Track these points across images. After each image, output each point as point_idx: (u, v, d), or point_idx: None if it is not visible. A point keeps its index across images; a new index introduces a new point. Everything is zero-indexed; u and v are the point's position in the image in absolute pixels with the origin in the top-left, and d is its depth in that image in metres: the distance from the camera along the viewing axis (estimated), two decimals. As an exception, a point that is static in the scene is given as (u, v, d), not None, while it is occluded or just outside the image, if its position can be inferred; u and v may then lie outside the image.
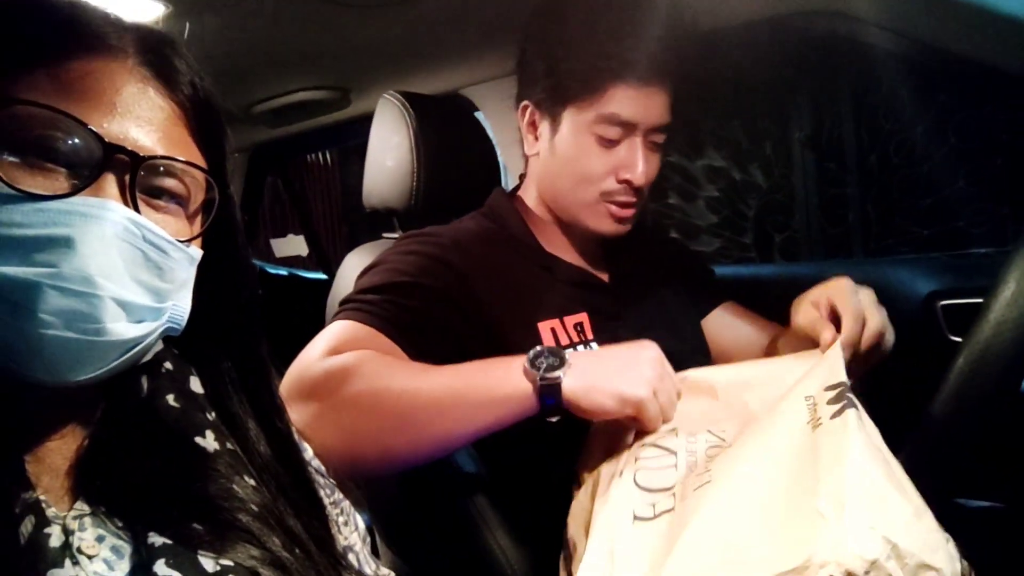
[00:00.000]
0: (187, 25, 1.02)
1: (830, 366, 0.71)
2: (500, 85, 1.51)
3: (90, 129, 0.47)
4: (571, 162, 1.02)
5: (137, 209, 0.48)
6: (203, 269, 0.55)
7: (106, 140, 0.47)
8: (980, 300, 0.71)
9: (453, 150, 1.27)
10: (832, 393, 0.67)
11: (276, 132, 1.94)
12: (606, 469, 0.78)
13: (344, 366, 0.82)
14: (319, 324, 1.22)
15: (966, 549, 0.54)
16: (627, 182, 1.00)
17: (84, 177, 0.47)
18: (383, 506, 1.16)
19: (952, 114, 2.40)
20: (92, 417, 0.53)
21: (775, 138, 3.18)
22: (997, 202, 2.37)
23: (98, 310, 0.46)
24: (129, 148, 0.48)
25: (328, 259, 2.60)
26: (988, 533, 0.77)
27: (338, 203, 3.96)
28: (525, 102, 1.08)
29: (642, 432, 0.79)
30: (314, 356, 0.84)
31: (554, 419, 0.79)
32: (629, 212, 1.03)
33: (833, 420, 0.63)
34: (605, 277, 1.11)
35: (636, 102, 0.97)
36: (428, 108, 1.24)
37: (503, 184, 1.36)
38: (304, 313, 1.45)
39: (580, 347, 0.99)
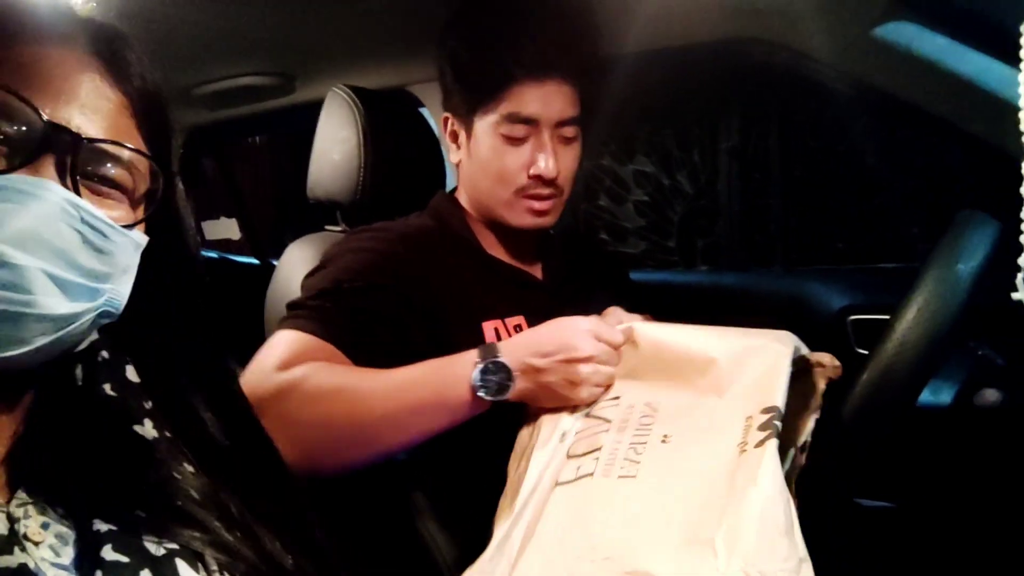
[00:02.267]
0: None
1: (773, 382, 0.73)
2: (445, 85, 1.52)
3: (33, 108, 0.47)
4: (486, 164, 1.06)
5: (77, 191, 0.49)
6: (146, 256, 0.56)
7: (49, 121, 0.48)
8: (887, 316, 0.77)
9: (399, 146, 1.28)
10: (765, 417, 0.70)
11: (216, 115, 1.91)
12: (540, 437, 0.83)
13: (295, 381, 0.84)
14: (251, 310, 1.22)
15: (863, 544, 0.60)
16: (538, 177, 1.03)
17: (24, 156, 0.47)
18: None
19: (873, 136, 2.54)
20: (25, 405, 0.53)
21: (703, 146, 3.28)
22: (909, 221, 2.52)
23: (27, 281, 0.46)
24: (72, 131, 0.49)
25: (260, 244, 2.55)
26: (881, 530, 0.85)
27: (268, 188, 3.88)
28: (445, 114, 1.13)
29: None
30: (266, 370, 0.86)
31: None
32: (547, 205, 1.06)
33: (756, 448, 0.67)
34: (541, 277, 1.15)
35: (535, 99, 1.02)
36: (376, 103, 1.25)
37: (446, 180, 1.38)
38: (236, 297, 1.43)
39: None
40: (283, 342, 0.89)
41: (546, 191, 1.05)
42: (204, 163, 2.33)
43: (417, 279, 0.99)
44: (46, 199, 0.47)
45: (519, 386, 0.84)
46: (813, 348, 0.82)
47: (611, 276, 1.28)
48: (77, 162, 0.49)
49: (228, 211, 2.72)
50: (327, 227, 1.31)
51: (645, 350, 0.84)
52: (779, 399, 0.71)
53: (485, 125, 1.05)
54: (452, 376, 0.85)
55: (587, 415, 0.83)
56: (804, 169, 3.02)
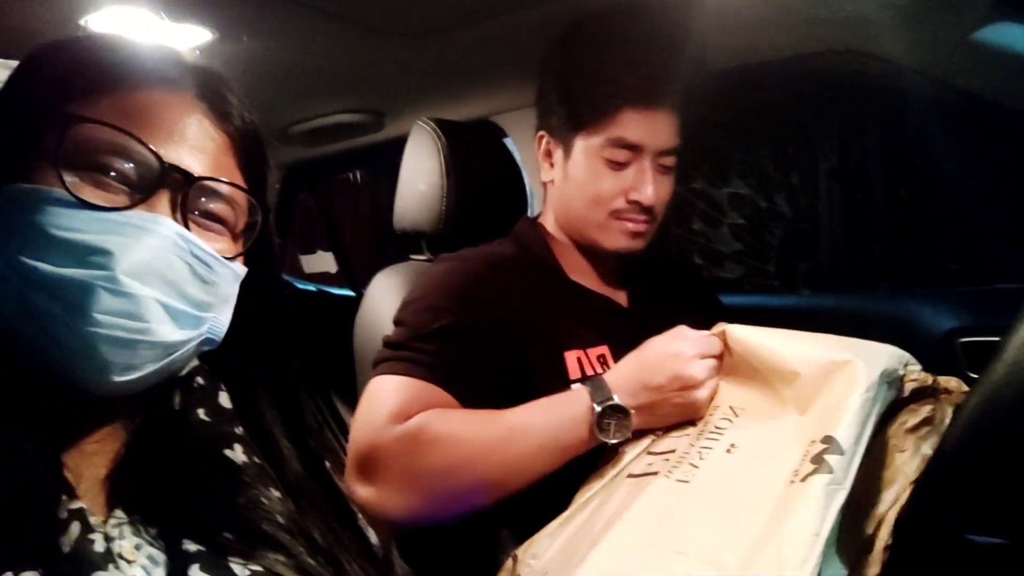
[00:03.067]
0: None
1: (840, 408, 0.71)
2: (529, 113, 1.53)
3: (151, 150, 0.51)
4: (583, 185, 1.06)
5: (187, 226, 0.52)
6: (240, 288, 0.59)
7: (167, 162, 0.51)
8: (999, 338, 0.72)
9: (482, 176, 1.30)
10: (819, 448, 0.69)
11: (311, 151, 1.99)
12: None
13: (413, 433, 0.86)
14: (346, 340, 1.26)
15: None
16: (636, 202, 1.04)
17: (142, 194, 0.51)
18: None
19: (981, 151, 2.40)
20: (128, 429, 0.56)
21: (801, 168, 3.18)
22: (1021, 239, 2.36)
23: (143, 310, 0.49)
24: (184, 170, 0.52)
25: (356, 277, 2.63)
26: (996, 569, 0.78)
27: (367, 221, 4.01)
28: (541, 132, 1.13)
29: None
30: (381, 422, 0.88)
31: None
32: (642, 228, 1.06)
33: (803, 482, 0.67)
34: (625, 303, 1.14)
35: (643, 126, 1.02)
36: (459, 135, 1.28)
37: (529, 209, 1.39)
38: (331, 329, 1.48)
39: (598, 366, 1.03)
40: (392, 390, 0.91)
41: (642, 216, 1.05)
42: (302, 198, 2.43)
43: (501, 307, 1.00)
44: (161, 233, 0.51)
45: (637, 423, 0.86)
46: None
47: (700, 300, 1.24)
48: (187, 199, 0.53)
49: (325, 245, 2.81)
50: (412, 256, 1.34)
51: (737, 352, 0.85)
52: (840, 429, 0.69)
53: (587, 146, 1.05)
54: (569, 420, 0.86)
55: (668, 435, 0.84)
56: (909, 188, 2.87)
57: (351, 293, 2.60)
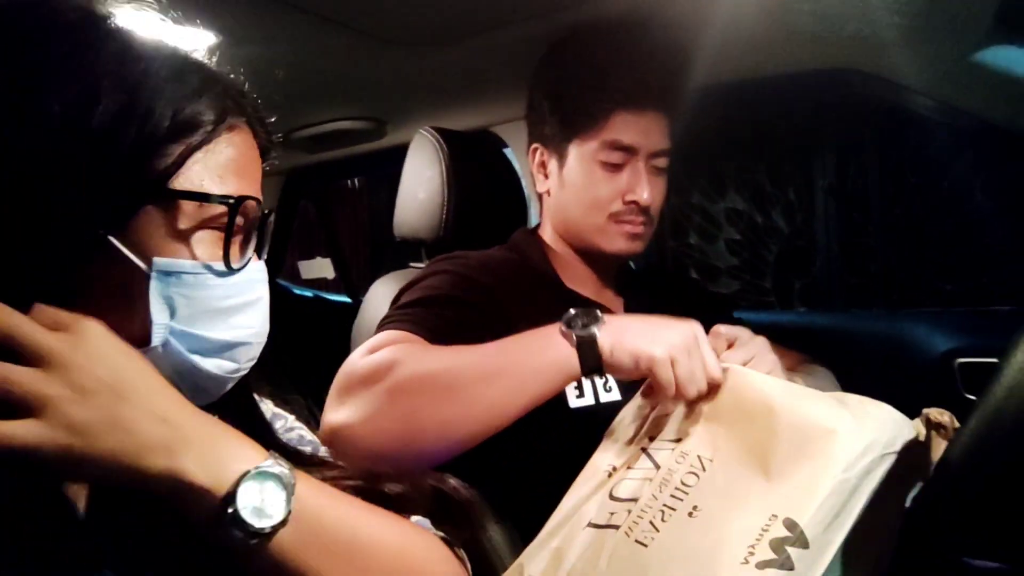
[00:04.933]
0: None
1: (809, 491, 0.66)
2: (530, 124, 1.55)
3: (257, 203, 0.55)
4: (580, 190, 1.08)
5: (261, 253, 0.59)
6: None
7: (260, 208, 0.56)
8: (997, 360, 0.72)
9: (482, 185, 1.30)
10: (780, 533, 0.64)
11: (312, 158, 1.99)
12: (588, 468, 0.83)
13: (387, 357, 0.85)
14: (343, 345, 1.25)
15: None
16: (634, 203, 1.05)
17: (250, 245, 0.56)
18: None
19: (979, 171, 2.41)
20: None
21: (798, 184, 3.19)
22: (1023, 260, 2.36)
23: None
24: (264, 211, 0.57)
25: (353, 283, 2.63)
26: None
27: (365, 229, 4.01)
28: (535, 144, 1.15)
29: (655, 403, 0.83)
30: (356, 356, 0.87)
31: (598, 378, 0.86)
32: (640, 229, 1.08)
33: (759, 570, 0.63)
34: (621, 311, 1.14)
35: (636, 128, 1.04)
36: (460, 144, 1.28)
37: (529, 217, 1.39)
38: (328, 335, 1.48)
39: (596, 376, 1.01)
40: (373, 339, 0.91)
41: (640, 217, 1.07)
42: (301, 204, 2.43)
43: (495, 303, 1.00)
44: (264, 278, 0.59)
45: (608, 332, 0.81)
46: (917, 392, 0.77)
47: (702, 310, 1.24)
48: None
49: (323, 251, 2.81)
50: (411, 264, 1.34)
51: (727, 392, 0.80)
52: (807, 516, 0.64)
53: (582, 152, 1.07)
54: (541, 333, 0.85)
55: (643, 450, 0.80)
56: (905, 207, 2.88)
57: (348, 300, 2.60)
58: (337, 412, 0.82)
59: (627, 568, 0.69)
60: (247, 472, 0.48)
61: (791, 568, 0.62)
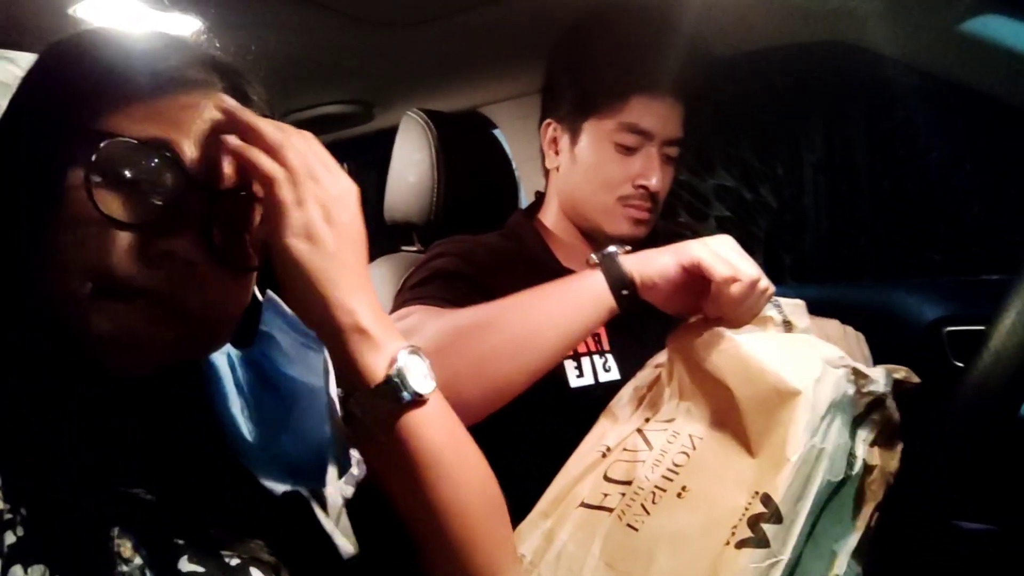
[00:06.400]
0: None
1: (779, 462, 0.66)
2: (518, 104, 1.54)
3: (176, 160, 0.50)
4: (591, 169, 1.08)
5: (212, 236, 0.51)
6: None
7: (190, 169, 0.50)
8: (984, 328, 0.73)
9: (472, 167, 1.30)
10: (757, 509, 0.65)
11: (298, 143, 1.98)
12: (583, 445, 0.83)
13: (419, 320, 0.85)
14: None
15: (963, 569, 0.56)
16: (644, 188, 1.05)
17: (167, 204, 0.50)
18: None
19: (966, 141, 2.42)
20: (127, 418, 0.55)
21: (787, 159, 3.20)
22: (1010, 229, 2.38)
23: None
24: (205, 179, 0.51)
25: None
26: (983, 555, 0.79)
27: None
28: (548, 119, 1.14)
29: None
30: None
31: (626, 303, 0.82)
32: (645, 215, 1.08)
33: (737, 550, 0.63)
34: None
35: (654, 113, 1.04)
36: (449, 126, 1.28)
37: (520, 199, 1.39)
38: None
39: (596, 356, 1.02)
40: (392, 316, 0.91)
41: (647, 203, 1.07)
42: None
43: (493, 279, 1.00)
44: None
45: (633, 256, 0.83)
46: (906, 361, 0.77)
47: None
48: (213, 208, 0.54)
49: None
50: (403, 247, 1.34)
51: (715, 369, 0.77)
52: (780, 489, 0.65)
53: (598, 131, 1.07)
54: (568, 276, 0.86)
55: (638, 430, 0.81)
56: (893, 180, 2.90)
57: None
58: None
59: (618, 552, 0.70)
60: (408, 345, 0.55)
61: (767, 545, 0.63)
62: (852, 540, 0.71)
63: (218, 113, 0.52)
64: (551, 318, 0.82)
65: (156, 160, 0.50)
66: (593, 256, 0.85)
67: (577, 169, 1.10)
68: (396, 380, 0.54)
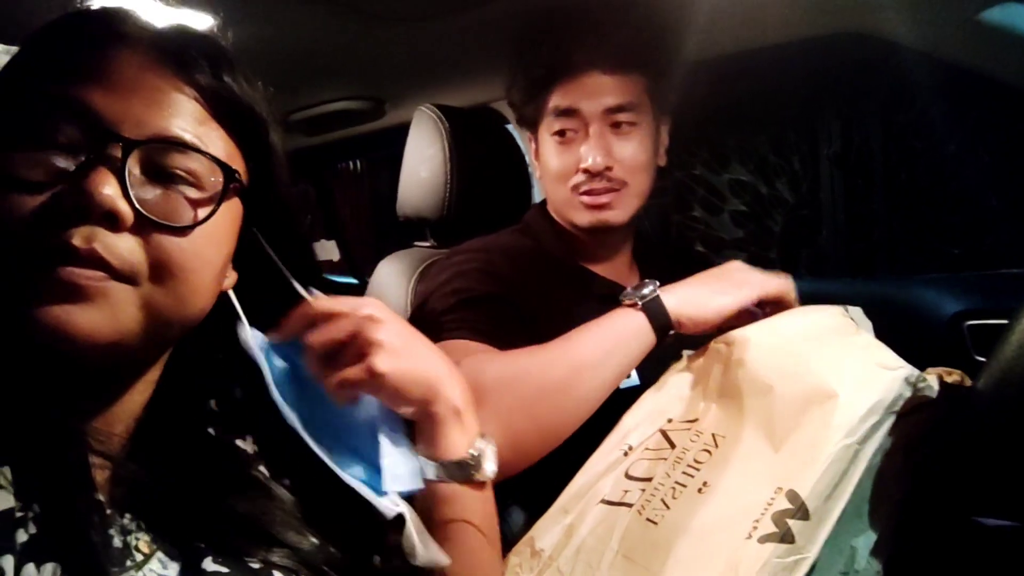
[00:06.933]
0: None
1: (810, 459, 0.66)
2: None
3: (88, 114, 0.48)
4: (546, 168, 1.09)
5: (127, 191, 0.48)
6: (256, 270, 0.58)
7: (103, 122, 0.48)
8: (1007, 321, 0.71)
9: (485, 162, 1.30)
10: (783, 505, 0.64)
11: (312, 140, 1.98)
12: (605, 444, 0.83)
13: (472, 371, 0.83)
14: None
15: (983, 567, 0.54)
16: (586, 171, 1.03)
17: (75, 162, 0.47)
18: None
19: (984, 133, 2.38)
20: (134, 421, 0.55)
21: (803, 153, 3.17)
22: (1027, 224, 2.35)
23: None
24: (125, 131, 0.48)
25: (358, 264, 2.63)
26: (1005, 552, 0.78)
27: (367, 210, 4.01)
28: (527, 132, 1.16)
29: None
30: None
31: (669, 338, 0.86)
32: (603, 199, 1.05)
33: (761, 544, 0.63)
34: None
35: (575, 91, 1.03)
36: (462, 121, 1.27)
37: (533, 194, 1.39)
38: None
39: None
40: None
41: (599, 185, 1.04)
42: (304, 188, 2.42)
43: (516, 289, 1.01)
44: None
45: (672, 293, 0.86)
46: (927, 356, 0.76)
47: None
48: (126, 161, 0.51)
49: (328, 234, 2.82)
50: (416, 243, 1.33)
51: (737, 369, 0.79)
52: (808, 486, 0.64)
53: (543, 131, 1.08)
54: (606, 318, 0.87)
55: (661, 431, 0.81)
56: (910, 172, 2.86)
57: (354, 281, 2.60)
58: None
59: (637, 546, 0.69)
60: (485, 435, 0.64)
61: (792, 541, 0.63)
62: (871, 536, 0.71)
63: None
64: (595, 369, 0.84)
65: (62, 114, 0.47)
66: (628, 294, 0.86)
67: (542, 171, 1.12)
68: (472, 461, 0.62)
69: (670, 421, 0.82)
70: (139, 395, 0.55)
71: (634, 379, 1.02)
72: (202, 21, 1.17)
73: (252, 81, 0.57)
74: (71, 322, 0.45)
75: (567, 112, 1.04)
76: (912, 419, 0.70)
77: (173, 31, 0.54)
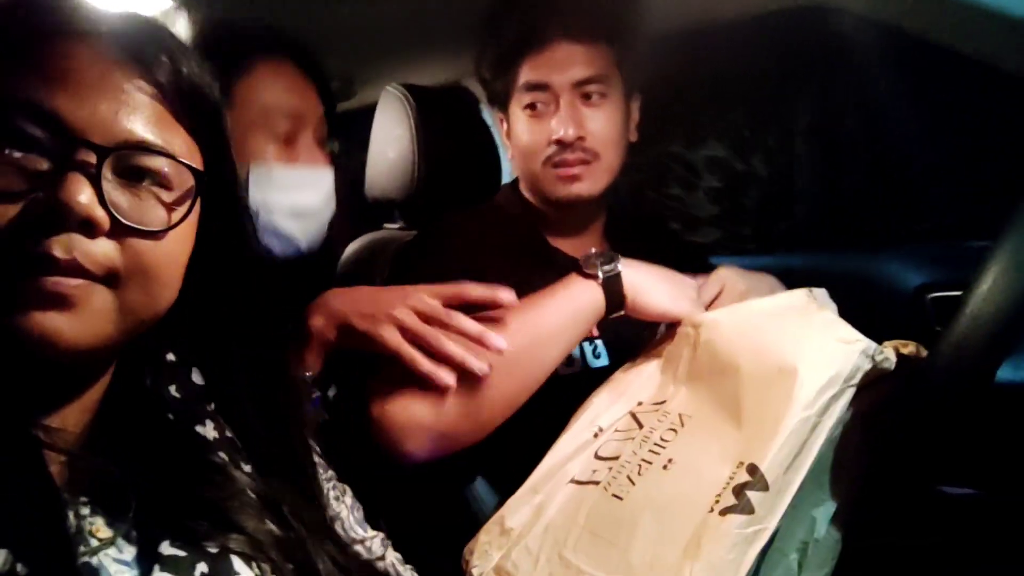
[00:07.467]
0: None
1: (770, 433, 0.68)
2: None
3: (56, 120, 0.47)
4: (518, 143, 1.10)
5: (102, 198, 0.48)
6: (209, 254, 0.57)
7: (72, 128, 0.47)
8: (964, 292, 0.72)
9: (454, 142, 1.29)
10: (743, 478, 0.66)
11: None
12: (574, 425, 0.85)
13: None
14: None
15: (948, 533, 0.55)
16: (558, 141, 1.04)
17: (46, 168, 0.47)
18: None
19: (954, 112, 2.41)
20: (91, 407, 0.54)
21: (777, 128, 3.18)
22: (995, 197, 2.38)
23: None
24: (95, 137, 0.48)
25: (333, 246, 2.61)
26: (967, 519, 0.80)
27: (340, 191, 3.98)
28: (498, 111, 1.16)
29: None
30: None
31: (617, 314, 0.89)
32: (575, 171, 1.06)
33: (722, 517, 0.64)
34: None
35: (543, 65, 1.04)
36: (430, 100, 1.26)
37: (503, 175, 1.38)
38: (307, 297, 1.47)
39: (585, 343, 1.02)
40: None
41: (572, 156, 1.05)
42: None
43: (492, 272, 1.00)
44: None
45: (632, 271, 0.89)
46: (892, 329, 0.77)
47: (678, 259, 1.25)
48: (101, 168, 0.50)
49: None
50: (385, 225, 1.33)
51: (703, 351, 0.82)
52: (767, 459, 0.66)
53: (514, 106, 1.09)
54: (563, 284, 0.90)
55: (630, 413, 0.82)
56: (881, 147, 2.88)
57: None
58: (407, 408, 0.84)
59: (603, 521, 0.71)
60: None
61: (751, 512, 0.64)
62: (831, 506, 0.72)
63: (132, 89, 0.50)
64: (553, 339, 0.87)
65: (29, 120, 0.47)
66: (590, 262, 0.88)
67: (515, 149, 1.12)
68: None
69: (640, 404, 0.84)
70: (98, 384, 0.55)
71: (603, 360, 1.02)
72: (161, 3, 1.15)
73: (203, 65, 0.57)
74: (57, 331, 0.46)
75: (537, 86, 1.04)
76: (872, 391, 0.72)
77: (128, 23, 0.54)
